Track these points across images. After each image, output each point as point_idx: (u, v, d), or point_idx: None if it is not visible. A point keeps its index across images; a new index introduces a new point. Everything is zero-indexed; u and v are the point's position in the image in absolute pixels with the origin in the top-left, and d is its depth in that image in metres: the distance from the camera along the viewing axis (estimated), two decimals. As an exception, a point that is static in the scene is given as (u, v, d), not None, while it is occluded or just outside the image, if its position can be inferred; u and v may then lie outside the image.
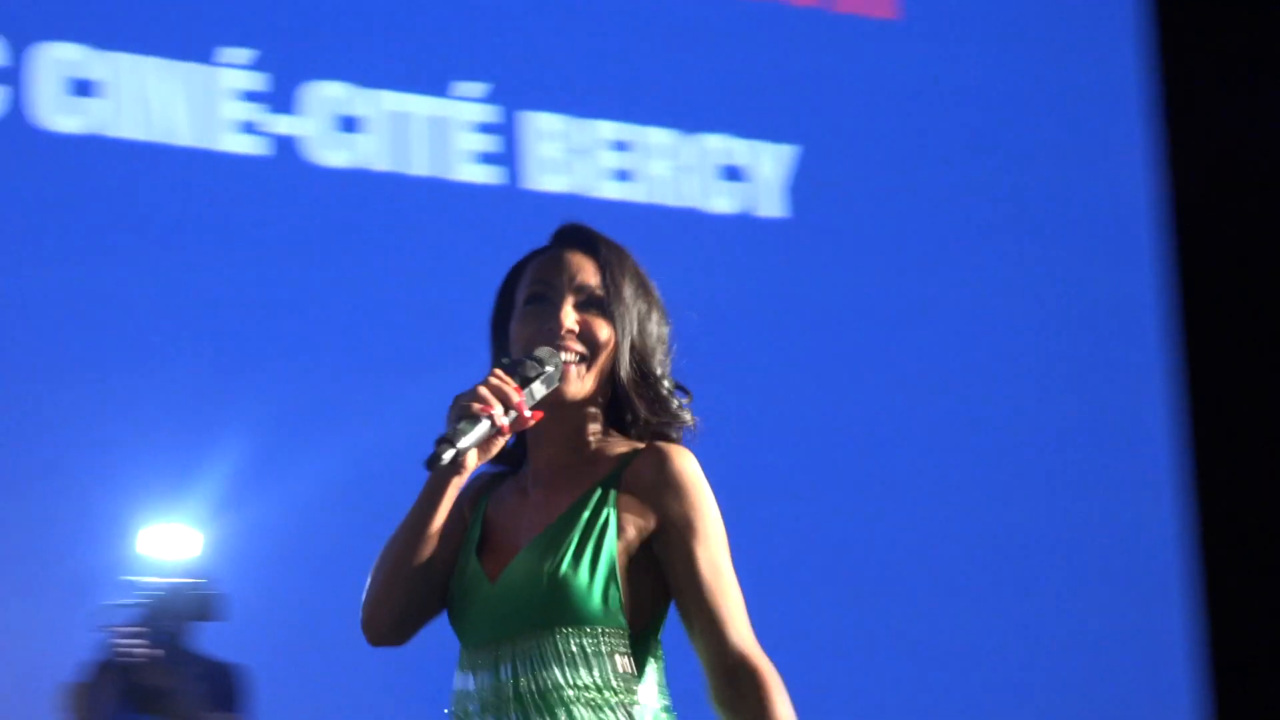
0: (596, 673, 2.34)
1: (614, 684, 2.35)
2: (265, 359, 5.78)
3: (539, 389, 2.42)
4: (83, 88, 5.68)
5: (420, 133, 6.09)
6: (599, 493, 2.40)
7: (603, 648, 2.35)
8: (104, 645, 5.04)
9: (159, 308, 5.65)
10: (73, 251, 5.60)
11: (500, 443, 2.38)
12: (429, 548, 2.39)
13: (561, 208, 6.28)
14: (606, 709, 2.34)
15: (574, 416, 2.45)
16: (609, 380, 2.45)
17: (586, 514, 2.37)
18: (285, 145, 5.93)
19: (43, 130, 5.62)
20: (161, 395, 5.60)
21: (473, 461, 2.36)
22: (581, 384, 2.44)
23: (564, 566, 2.34)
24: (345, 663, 5.38)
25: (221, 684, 5.26)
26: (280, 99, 5.95)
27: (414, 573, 2.40)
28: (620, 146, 6.38)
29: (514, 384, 2.38)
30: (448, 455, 2.34)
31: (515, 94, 6.25)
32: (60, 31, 5.67)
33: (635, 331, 2.48)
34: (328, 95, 5.99)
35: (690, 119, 6.50)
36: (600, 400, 2.46)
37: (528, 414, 2.38)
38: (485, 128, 6.19)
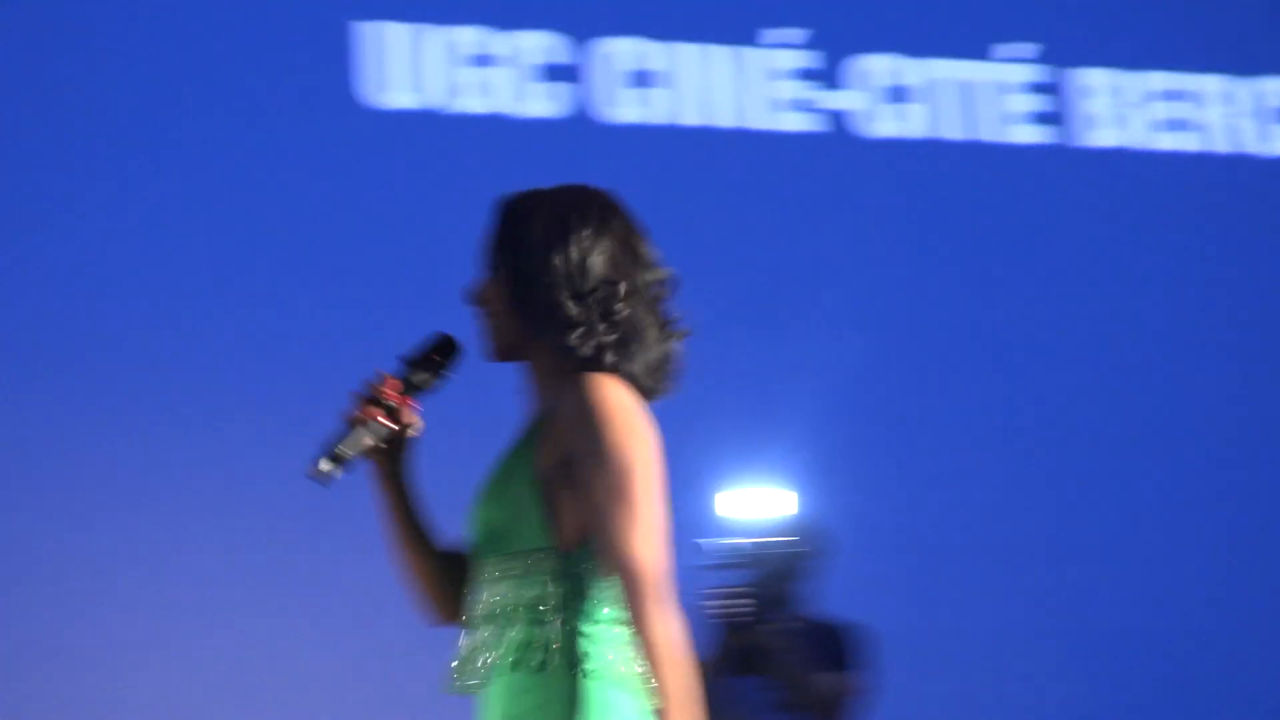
0: (535, 590, 2.44)
1: (549, 600, 2.45)
2: (828, 329, 5.94)
3: (427, 381, 2.55)
4: (641, 79, 5.95)
5: (969, 98, 6.22)
6: (530, 430, 2.49)
7: (535, 568, 2.45)
8: (705, 609, 5.15)
9: (720, 282, 5.76)
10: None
11: (403, 439, 2.54)
12: (408, 539, 2.55)
13: (1113, 163, 6.34)
14: (545, 622, 2.44)
15: (524, 368, 2.51)
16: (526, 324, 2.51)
17: (514, 452, 2.49)
18: (837, 120, 6.11)
19: (605, 123, 5.90)
20: (732, 362, 5.73)
21: (378, 461, 2.53)
22: (494, 341, 2.52)
23: (488, 504, 2.48)
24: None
25: (830, 643, 5.25)
26: (829, 75, 6.13)
27: (418, 563, 2.56)
28: (1172, 96, 6.34)
29: (396, 385, 2.51)
30: (323, 466, 2.49)
31: (1063, 52, 6.32)
32: (618, 27, 5.95)
33: (512, 268, 2.49)
34: (875, 68, 6.14)
35: (1244, 62, 6.43)
36: (537, 345, 2.49)
37: (414, 417, 2.53)
38: (1035, 87, 6.29)
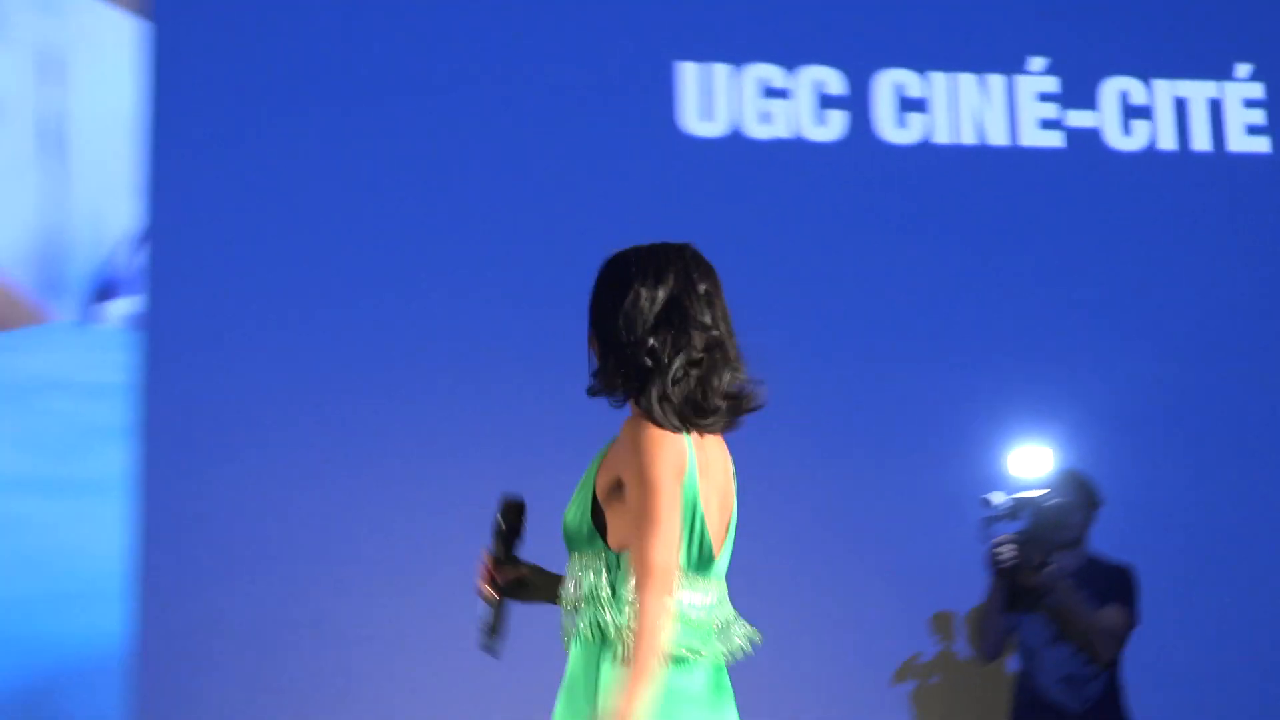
0: (592, 581, 2.99)
1: (603, 590, 2.98)
2: (1090, 316, 6.42)
3: (504, 551, 3.18)
4: (912, 105, 6.52)
5: (1199, 113, 6.66)
6: (601, 453, 3.06)
7: (592, 564, 3.00)
8: (989, 556, 5.46)
9: (996, 285, 6.42)
10: (915, 245, 6.42)
11: (520, 586, 3.17)
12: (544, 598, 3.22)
13: None
14: (599, 605, 2.95)
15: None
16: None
17: (589, 470, 3.05)
18: (1082, 137, 6.58)
19: (883, 143, 6.48)
20: (1027, 343, 6.35)
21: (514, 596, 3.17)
22: (603, 388, 3.05)
23: (570, 510, 3.05)
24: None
25: (1105, 582, 5.53)
26: (1074, 97, 6.60)
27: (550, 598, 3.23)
28: None
29: (489, 559, 3.14)
30: (485, 643, 3.17)
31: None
32: (890, 60, 6.54)
33: (591, 335, 3.08)
34: (1117, 88, 6.61)
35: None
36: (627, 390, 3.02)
37: (499, 580, 3.15)
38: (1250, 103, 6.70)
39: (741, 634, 3.10)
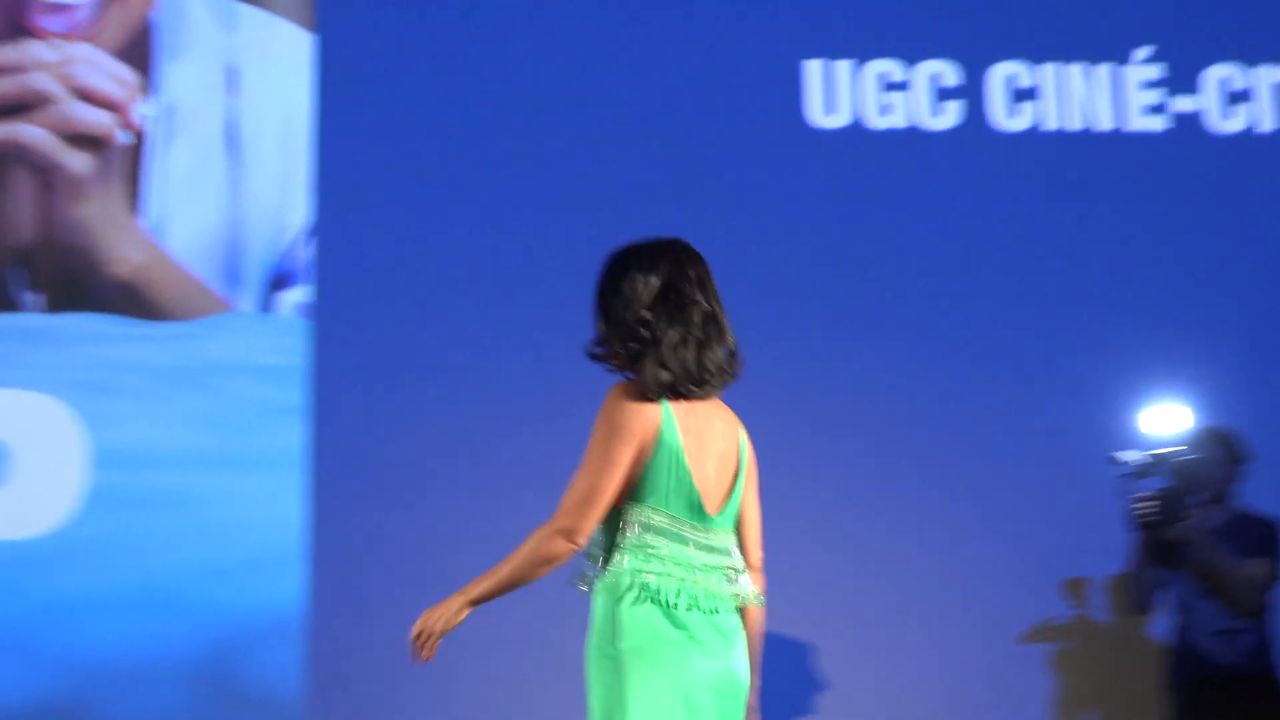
0: (596, 536, 3.42)
1: (601, 538, 3.42)
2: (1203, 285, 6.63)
3: None
4: (1023, 94, 6.78)
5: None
6: None
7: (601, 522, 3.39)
8: (1129, 513, 5.43)
9: (1114, 254, 6.64)
10: (1028, 222, 6.67)
11: None
12: None
13: None
14: (602, 550, 3.37)
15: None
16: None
17: None
18: (1185, 121, 6.81)
19: (995, 130, 6.76)
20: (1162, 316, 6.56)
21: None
22: (603, 355, 3.48)
23: None
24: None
25: (1254, 536, 5.48)
26: (1177, 83, 6.82)
27: None
28: None
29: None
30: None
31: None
32: (1004, 53, 6.82)
33: (597, 316, 3.48)
34: (1218, 75, 6.83)
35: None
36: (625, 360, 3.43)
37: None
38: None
39: (740, 588, 3.41)
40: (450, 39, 6.67)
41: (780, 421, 6.06)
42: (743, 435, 3.55)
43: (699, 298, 3.40)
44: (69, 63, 6.62)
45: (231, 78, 6.68)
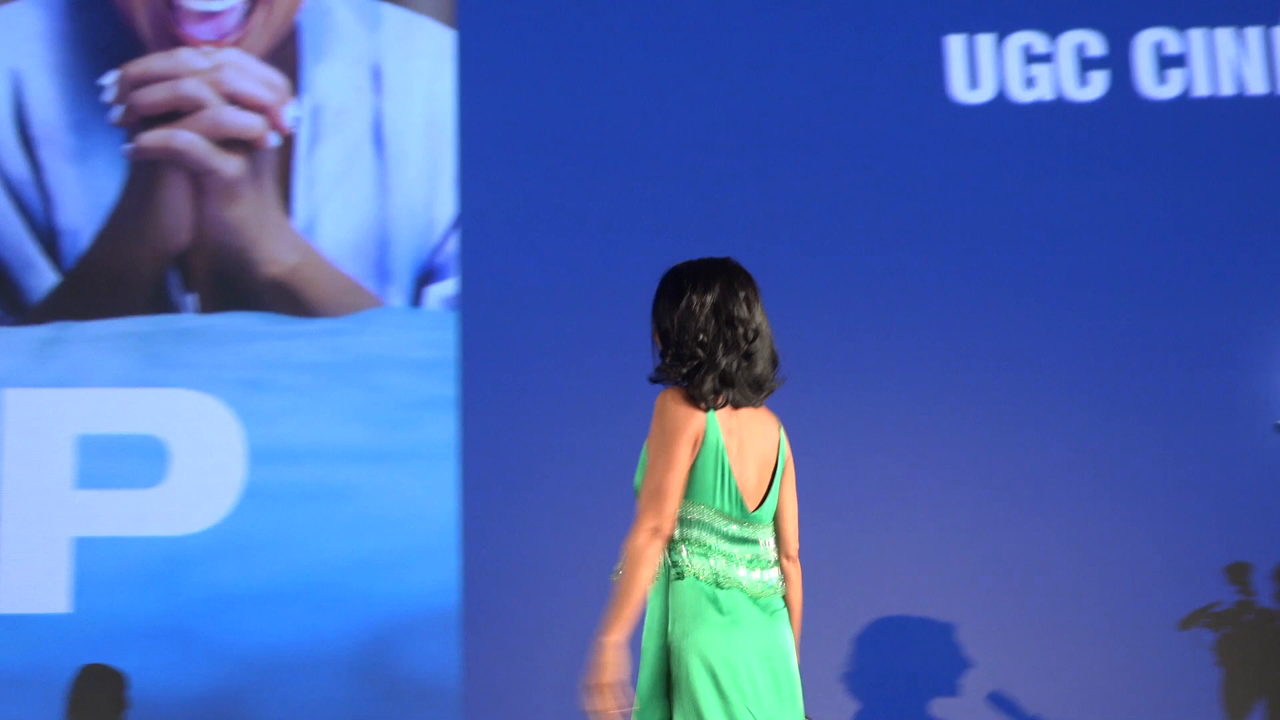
0: None
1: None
2: None
3: None
4: (1171, 61, 6.68)
5: None
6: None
7: None
8: None
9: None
10: (1178, 190, 6.59)
11: None
12: None
13: None
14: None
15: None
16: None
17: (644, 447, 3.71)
18: None
19: (1144, 99, 6.67)
20: None
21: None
22: (665, 376, 3.71)
23: (635, 479, 3.72)
24: None
25: None
26: None
27: None
28: None
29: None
30: None
31: None
32: (1148, 20, 6.73)
33: (654, 333, 3.73)
34: None
35: None
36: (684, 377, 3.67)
37: None
38: None
39: (771, 578, 3.69)
40: (589, 31, 6.72)
41: (934, 408, 6.21)
42: (782, 436, 3.83)
43: (747, 316, 3.67)
44: (219, 68, 6.74)
45: (376, 77, 6.76)
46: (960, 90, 6.69)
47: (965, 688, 6.19)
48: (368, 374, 6.47)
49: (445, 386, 6.43)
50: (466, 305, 6.51)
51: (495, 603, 6.24)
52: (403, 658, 6.19)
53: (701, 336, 3.64)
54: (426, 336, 6.51)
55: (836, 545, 6.15)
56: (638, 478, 3.71)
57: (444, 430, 6.39)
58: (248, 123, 6.71)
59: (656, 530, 3.56)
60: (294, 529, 6.27)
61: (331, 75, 6.76)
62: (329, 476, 6.34)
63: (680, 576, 3.62)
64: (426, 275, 6.61)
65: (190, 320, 6.55)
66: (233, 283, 6.58)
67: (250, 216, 6.64)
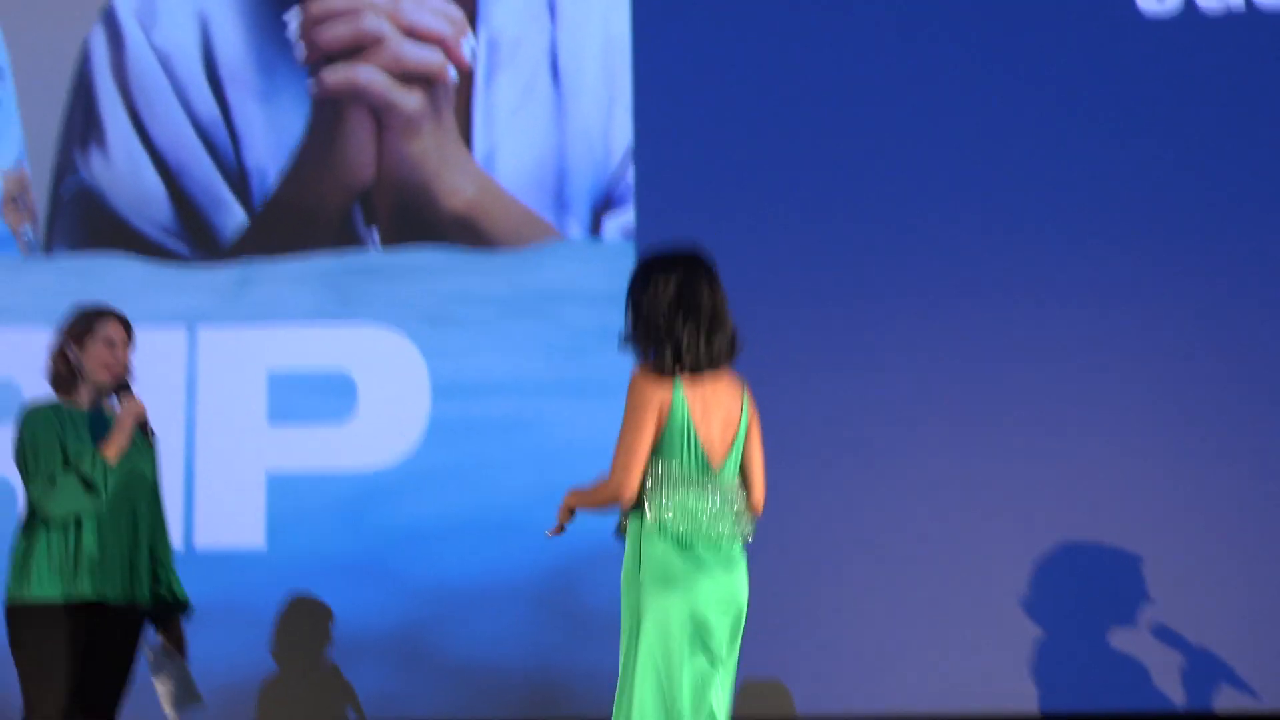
0: None
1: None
2: None
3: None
4: None
5: None
6: None
7: None
8: None
9: None
10: None
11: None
12: None
13: None
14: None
15: None
16: None
17: None
18: None
19: None
20: None
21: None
22: (633, 347, 4.24)
23: None
24: None
25: None
26: None
27: None
28: None
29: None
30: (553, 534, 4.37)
31: None
32: None
33: (627, 312, 4.22)
34: None
35: None
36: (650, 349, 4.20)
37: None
38: None
39: (738, 525, 4.22)
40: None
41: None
42: (746, 400, 4.33)
43: (705, 300, 4.18)
44: (398, 3, 6.74)
45: (551, 6, 6.72)
46: (1148, 2, 6.51)
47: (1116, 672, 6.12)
48: (547, 306, 6.48)
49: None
50: (644, 235, 6.48)
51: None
52: (586, 590, 6.24)
53: (663, 319, 4.14)
54: (605, 267, 6.50)
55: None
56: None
57: (623, 362, 6.34)
58: (427, 57, 6.71)
59: (620, 487, 4.14)
60: (478, 463, 6.34)
61: (507, 6, 6.73)
62: (511, 409, 6.38)
63: (650, 528, 4.14)
64: (604, 205, 6.59)
65: (374, 255, 6.61)
66: (415, 217, 6.62)
67: (431, 150, 6.66)
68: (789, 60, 6.55)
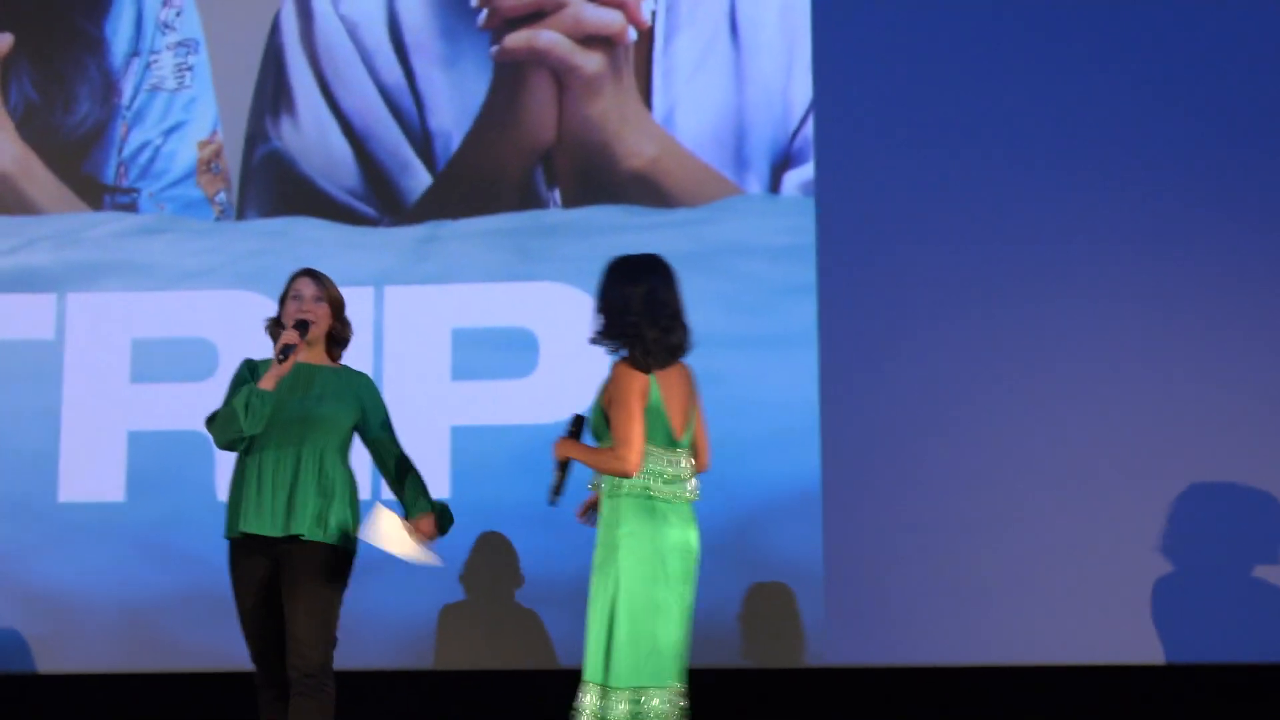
0: None
1: None
2: None
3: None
4: None
5: None
6: (602, 386, 4.78)
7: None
8: None
9: None
10: None
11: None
12: None
13: None
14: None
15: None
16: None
17: (597, 397, 4.79)
18: None
19: None
20: None
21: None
22: (603, 344, 4.81)
23: (591, 419, 4.80)
24: None
25: None
26: None
27: None
28: None
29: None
30: (552, 501, 4.87)
31: None
32: None
33: (595, 302, 4.76)
34: None
35: None
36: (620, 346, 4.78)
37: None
38: None
39: (691, 487, 4.84)
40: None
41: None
42: (694, 378, 4.94)
43: (668, 300, 4.77)
44: (578, -34, 6.74)
45: (730, -37, 6.67)
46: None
47: None
48: (728, 262, 6.43)
49: (805, 272, 6.35)
50: (823, 190, 6.40)
51: (855, 487, 6.21)
52: (766, 540, 6.19)
53: (634, 318, 4.72)
54: (785, 223, 6.44)
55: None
56: (594, 421, 4.82)
57: (804, 316, 6.32)
58: (607, 18, 6.69)
59: (624, 461, 4.67)
60: (659, 415, 6.29)
61: (694, -36, 6.71)
62: (691, 363, 6.31)
63: (627, 491, 4.72)
64: (784, 162, 6.52)
65: (556, 215, 6.60)
66: (595, 177, 6.60)
67: (611, 111, 6.64)
68: (969, 16, 6.45)
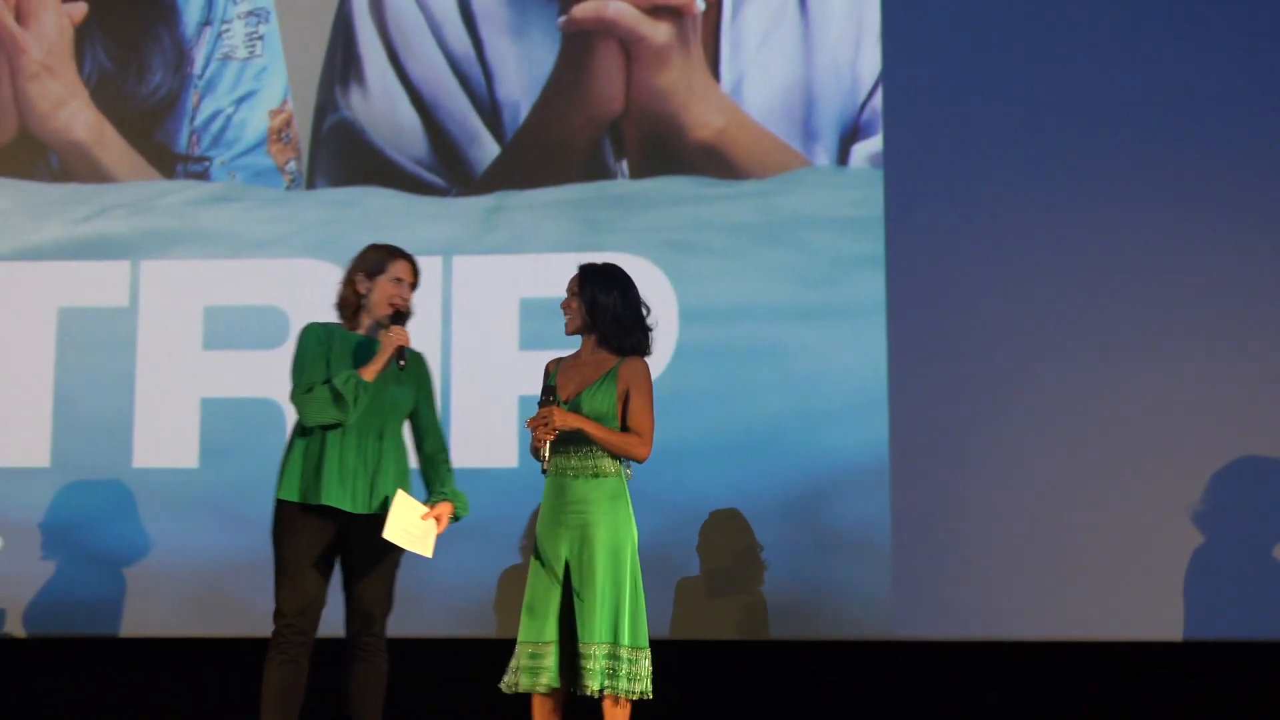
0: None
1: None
2: None
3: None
4: None
5: None
6: (608, 372, 4.89)
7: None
8: None
9: None
10: None
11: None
12: None
13: None
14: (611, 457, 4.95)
15: (585, 340, 5.02)
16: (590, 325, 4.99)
17: (603, 380, 4.89)
18: None
19: None
20: None
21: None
22: (569, 326, 5.00)
23: (596, 404, 4.87)
24: None
25: None
26: None
27: None
28: None
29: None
30: (545, 470, 4.88)
31: None
32: None
33: (588, 298, 4.91)
34: None
35: None
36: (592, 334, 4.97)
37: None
38: None
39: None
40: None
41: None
42: None
43: (641, 309, 5.03)
44: (646, -63, 6.60)
45: (797, -65, 6.52)
46: None
47: None
48: (795, 233, 6.32)
49: (873, 244, 6.24)
50: (891, 162, 6.29)
51: (924, 459, 6.11)
52: (834, 511, 6.09)
53: (644, 315, 4.98)
54: (853, 195, 6.32)
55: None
56: (602, 402, 4.91)
57: (872, 288, 6.20)
58: (675, -11, 6.57)
59: (649, 449, 4.93)
60: (726, 387, 6.23)
61: (753, -62, 6.56)
62: (759, 335, 6.24)
63: (625, 473, 4.97)
64: (852, 133, 6.38)
65: (623, 185, 6.48)
66: (663, 148, 6.48)
67: (679, 81, 6.51)
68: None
